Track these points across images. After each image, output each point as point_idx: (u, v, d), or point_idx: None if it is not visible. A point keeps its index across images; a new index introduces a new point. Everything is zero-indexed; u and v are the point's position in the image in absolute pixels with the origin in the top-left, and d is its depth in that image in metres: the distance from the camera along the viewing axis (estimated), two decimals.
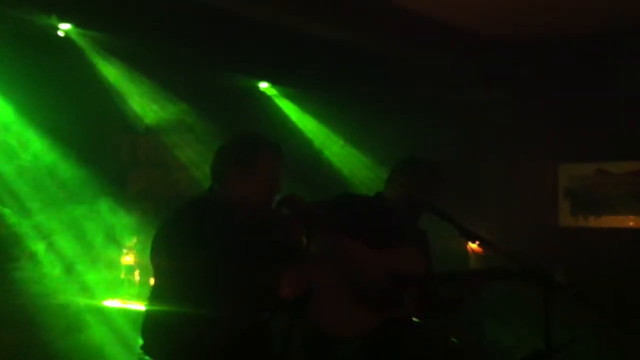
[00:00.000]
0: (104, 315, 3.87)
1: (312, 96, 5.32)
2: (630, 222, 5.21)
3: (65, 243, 4.07)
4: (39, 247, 3.98)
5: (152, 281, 2.82)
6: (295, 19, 4.65)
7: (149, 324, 2.62)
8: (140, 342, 2.63)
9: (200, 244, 2.47)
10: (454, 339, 3.15)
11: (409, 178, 3.18)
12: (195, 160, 4.65)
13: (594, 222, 5.34)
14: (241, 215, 2.64)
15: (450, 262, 3.47)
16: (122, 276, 4.13)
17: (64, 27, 4.08)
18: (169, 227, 2.61)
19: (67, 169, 4.10)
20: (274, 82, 5.24)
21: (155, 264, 2.64)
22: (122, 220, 4.24)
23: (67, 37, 4.12)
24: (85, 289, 4.01)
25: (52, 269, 3.97)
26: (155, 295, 2.65)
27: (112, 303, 3.96)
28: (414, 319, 3.12)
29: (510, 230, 5.35)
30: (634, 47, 5.10)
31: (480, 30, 5.16)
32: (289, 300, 2.51)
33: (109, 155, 4.38)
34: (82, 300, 3.93)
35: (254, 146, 2.68)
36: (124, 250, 4.16)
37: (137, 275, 4.15)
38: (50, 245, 4.01)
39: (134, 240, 4.17)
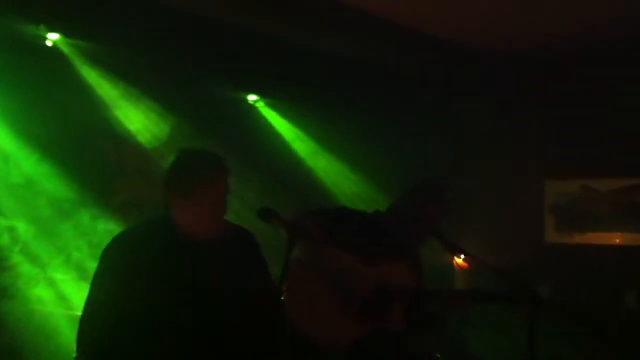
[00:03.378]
0: None
1: (301, 109, 5.32)
2: (616, 239, 5.23)
3: (47, 252, 4.03)
4: (20, 257, 3.94)
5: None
6: (285, 31, 4.65)
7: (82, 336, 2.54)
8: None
9: (134, 273, 2.46)
10: (438, 354, 3.15)
11: (419, 205, 3.18)
12: None
13: (579, 238, 5.37)
14: (191, 239, 2.56)
15: (436, 277, 3.47)
16: None
17: (52, 37, 4.06)
18: (108, 253, 2.58)
19: (52, 179, 4.07)
20: (262, 94, 5.24)
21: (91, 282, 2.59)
22: (106, 230, 4.21)
23: (55, 47, 4.10)
24: (66, 300, 3.97)
25: (32, 279, 3.93)
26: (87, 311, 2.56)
27: None
28: (399, 333, 3.11)
29: (497, 246, 5.37)
30: (620, 63, 5.15)
31: (467, 45, 5.20)
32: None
33: (95, 165, 4.35)
34: (62, 312, 3.89)
35: (189, 170, 2.54)
36: None
37: None
38: (32, 254, 3.97)
39: None
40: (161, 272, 2.50)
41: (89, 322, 2.50)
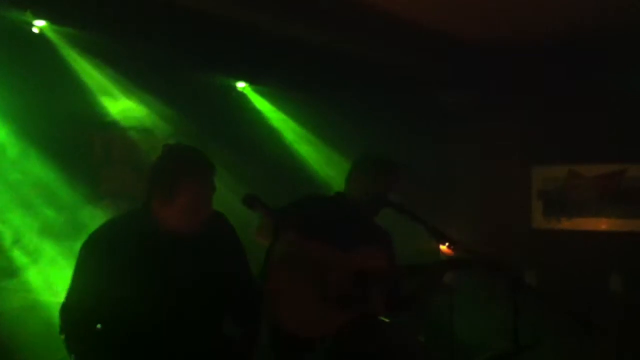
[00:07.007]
0: None
1: (289, 96, 5.33)
2: (602, 224, 5.28)
3: (36, 242, 4.04)
4: (9, 247, 3.95)
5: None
6: (273, 20, 4.65)
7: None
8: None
9: (110, 271, 2.45)
10: (421, 338, 3.18)
11: (365, 175, 3.22)
12: None
13: (566, 223, 5.41)
14: (173, 234, 2.55)
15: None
16: None
17: (39, 24, 4.05)
18: (89, 246, 2.55)
19: (39, 168, 4.06)
20: (251, 81, 5.24)
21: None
22: (94, 219, 4.21)
23: (41, 34, 4.08)
24: (54, 290, 3.98)
25: (20, 268, 3.94)
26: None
27: None
28: (381, 317, 3.14)
29: (484, 231, 5.41)
30: (605, 51, 5.17)
31: (453, 33, 5.20)
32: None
33: (82, 153, 4.35)
34: (51, 300, 3.90)
35: (174, 172, 2.52)
36: None
37: None
38: (20, 245, 3.98)
39: None
40: (142, 266, 2.48)
41: (74, 313, 2.51)
